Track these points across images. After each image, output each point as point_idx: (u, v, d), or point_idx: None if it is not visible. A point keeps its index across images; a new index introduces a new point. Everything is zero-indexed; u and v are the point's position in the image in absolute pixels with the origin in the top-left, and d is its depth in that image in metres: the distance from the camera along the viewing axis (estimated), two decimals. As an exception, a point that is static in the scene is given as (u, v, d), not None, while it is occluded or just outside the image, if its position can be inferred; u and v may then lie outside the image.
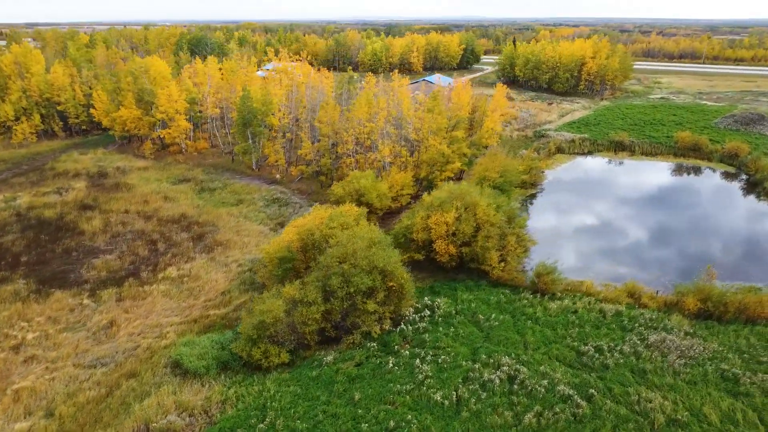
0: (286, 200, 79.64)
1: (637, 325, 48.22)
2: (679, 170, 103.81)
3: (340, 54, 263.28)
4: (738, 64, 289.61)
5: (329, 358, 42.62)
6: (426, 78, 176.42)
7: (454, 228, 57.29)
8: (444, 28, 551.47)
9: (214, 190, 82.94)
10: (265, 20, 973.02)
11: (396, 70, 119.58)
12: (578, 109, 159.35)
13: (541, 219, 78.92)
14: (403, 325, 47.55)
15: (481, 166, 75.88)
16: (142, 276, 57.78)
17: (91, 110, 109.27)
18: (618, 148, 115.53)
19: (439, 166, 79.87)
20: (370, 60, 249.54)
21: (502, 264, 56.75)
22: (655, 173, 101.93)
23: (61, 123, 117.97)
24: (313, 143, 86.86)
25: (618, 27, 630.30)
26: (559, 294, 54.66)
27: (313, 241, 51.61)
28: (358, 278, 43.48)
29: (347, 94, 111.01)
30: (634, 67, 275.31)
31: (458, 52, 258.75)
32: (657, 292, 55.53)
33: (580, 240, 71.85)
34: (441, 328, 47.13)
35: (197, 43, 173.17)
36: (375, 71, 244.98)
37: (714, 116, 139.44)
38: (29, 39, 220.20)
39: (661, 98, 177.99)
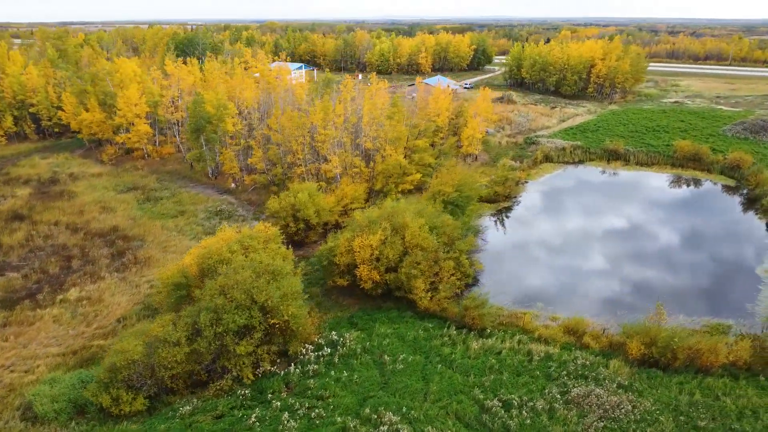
0: (230, 212, 74.64)
1: (564, 372, 41.63)
2: (672, 183, 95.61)
3: (348, 54, 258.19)
4: (767, 66, 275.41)
5: (187, 408, 37.11)
6: (425, 81, 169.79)
7: (378, 252, 51.34)
8: (466, 27, 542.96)
9: (159, 200, 78.40)
10: (292, 19, 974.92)
11: (374, 72, 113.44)
12: (583, 113, 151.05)
13: (502, 238, 72.32)
14: (293, 367, 41.90)
15: (436, 180, 69.56)
16: (39, 298, 53.24)
17: (59, 113, 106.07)
18: (612, 157, 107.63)
19: (395, 178, 73.85)
20: (377, 61, 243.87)
21: (430, 293, 50.55)
22: (644, 187, 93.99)
23: (33, 125, 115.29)
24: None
25: (651, 27, 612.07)
26: (490, 330, 48.28)
27: (209, 267, 46.27)
28: (230, 316, 37.96)
29: (321, 98, 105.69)
30: (654, 69, 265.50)
31: (468, 52, 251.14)
32: (604, 331, 48.70)
33: (541, 263, 65.02)
34: (335, 372, 41.27)
35: (188, 44, 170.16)
36: (382, 72, 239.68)
37: (726, 123, 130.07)
38: (16, 38, 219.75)
39: (675, 102, 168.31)
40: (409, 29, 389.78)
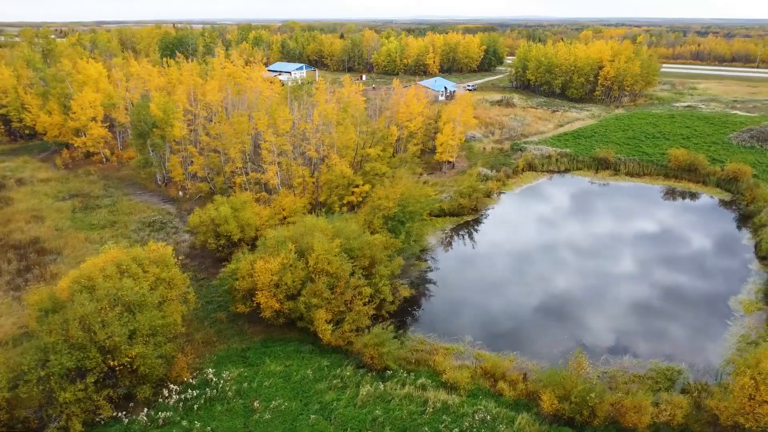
0: (164, 224, 69.93)
1: (457, 430, 35.49)
2: (660, 196, 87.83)
3: (355, 55, 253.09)
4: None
5: (-3, 465, 32.24)
6: (421, 82, 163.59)
7: (277, 278, 45.81)
8: (490, 27, 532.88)
9: (96, 209, 74.17)
10: (321, 19, 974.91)
11: (362, 73, 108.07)
12: (585, 118, 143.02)
13: (453, 258, 66.11)
14: (148, 412, 36.64)
15: (375, 193, 63.59)
16: None
17: (23, 114, 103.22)
18: (601, 166, 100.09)
19: (340, 189, 68.19)
20: (384, 61, 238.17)
21: (331, 326, 44.79)
22: (628, 200, 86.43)
23: (3, 127, 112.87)
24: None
25: (685, 27, 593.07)
26: (393, 371, 42.32)
27: (72, 294, 41.28)
28: (57, 357, 32.93)
29: (292, 101, 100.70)
30: (672, 71, 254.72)
31: (478, 53, 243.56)
32: (525, 376, 42.29)
33: (488, 288, 58.72)
34: (189, 420, 35.88)
35: (177, 43, 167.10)
36: (389, 73, 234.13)
37: (736, 129, 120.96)
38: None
39: (687, 106, 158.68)
40: (430, 29, 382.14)
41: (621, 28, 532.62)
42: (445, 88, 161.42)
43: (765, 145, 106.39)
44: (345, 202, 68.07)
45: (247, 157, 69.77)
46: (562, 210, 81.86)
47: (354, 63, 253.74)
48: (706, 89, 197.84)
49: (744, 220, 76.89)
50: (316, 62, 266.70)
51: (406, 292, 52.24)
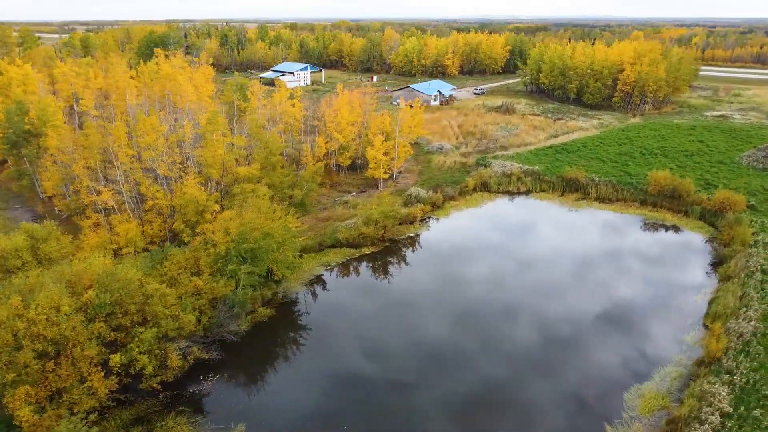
0: None
1: None
2: (622, 231, 72.22)
3: (374, 54, 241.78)
4: None
5: None
6: (413, 86, 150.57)
7: (-18, 340, 35.48)
8: (541, 27, 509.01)
9: (-50, 225, 66.47)
10: (384, 18, 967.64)
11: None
12: (590, 128, 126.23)
13: (311, 309, 54.01)
14: None
15: (209, 226, 52.26)
16: None
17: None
18: (569, 188, 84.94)
19: (191, 216, 57.36)
20: (401, 62, 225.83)
21: (31, 408, 34.08)
22: (583, 236, 71.32)
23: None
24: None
25: (750, 28, 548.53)
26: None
27: None
28: None
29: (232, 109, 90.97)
30: (720, 75, 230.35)
31: (503, 54, 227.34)
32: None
33: (329, 358, 46.51)
34: None
35: (159, 41, 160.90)
36: (406, 74, 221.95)
37: (758, 144, 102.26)
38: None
39: (719, 116, 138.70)
40: (479, 27, 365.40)
41: (682, 28, 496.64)
42: (439, 92, 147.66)
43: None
44: (198, 231, 57.09)
45: (99, 173, 60.00)
46: (486, 248, 67.50)
47: (372, 63, 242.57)
48: (753, 96, 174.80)
49: (714, 267, 60.92)
50: (336, 62, 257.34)
51: (176, 361, 40.65)
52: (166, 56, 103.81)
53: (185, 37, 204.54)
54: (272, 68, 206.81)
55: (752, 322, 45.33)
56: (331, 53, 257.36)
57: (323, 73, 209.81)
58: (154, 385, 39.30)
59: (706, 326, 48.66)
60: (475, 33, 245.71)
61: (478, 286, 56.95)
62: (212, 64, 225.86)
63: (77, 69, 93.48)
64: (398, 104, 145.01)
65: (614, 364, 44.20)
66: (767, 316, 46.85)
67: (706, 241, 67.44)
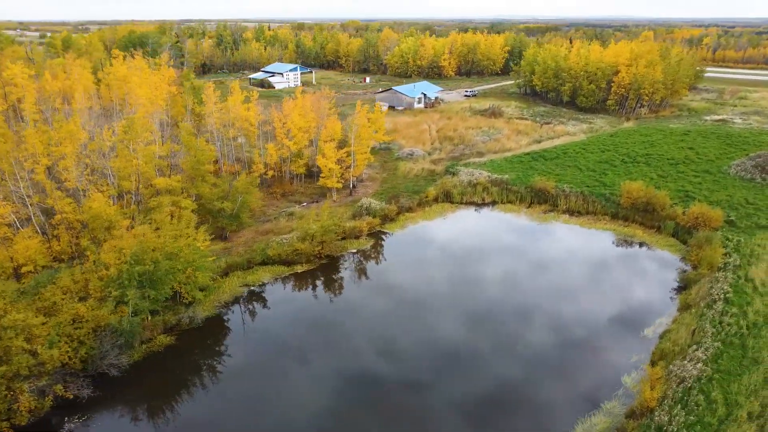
0: None
1: None
2: (585, 248, 66.35)
3: (371, 55, 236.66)
4: None
5: None
6: (396, 88, 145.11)
7: None
8: (552, 27, 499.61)
9: None
10: (402, 18, 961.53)
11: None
12: (578, 132, 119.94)
13: (224, 336, 49.00)
14: None
15: (121, 242, 47.48)
16: None
17: None
18: (537, 198, 79.16)
19: (97, 232, 52.69)
20: (397, 63, 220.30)
21: None
22: (539, 255, 65.47)
23: None
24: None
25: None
26: None
27: None
28: None
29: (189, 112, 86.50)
30: (729, 77, 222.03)
31: (501, 55, 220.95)
32: None
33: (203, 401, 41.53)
34: None
35: (137, 42, 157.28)
36: (402, 75, 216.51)
37: (752, 152, 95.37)
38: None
39: (718, 120, 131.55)
40: (489, 27, 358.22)
41: (700, 28, 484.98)
42: (424, 94, 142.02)
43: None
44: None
45: (9, 184, 55.54)
46: (429, 267, 61.86)
47: (369, 64, 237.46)
48: (759, 99, 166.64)
49: (680, 291, 54.92)
50: (333, 63, 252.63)
51: (28, 403, 35.86)
52: (124, 57, 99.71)
53: (176, 36, 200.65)
54: (262, 69, 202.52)
55: (698, 365, 39.39)
56: (328, 53, 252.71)
57: (314, 75, 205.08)
58: (4, 429, 34.66)
59: (654, 363, 42.83)
60: (474, 33, 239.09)
61: (410, 312, 51.56)
62: (203, 65, 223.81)
63: (28, 71, 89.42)
64: (382, 108, 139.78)
65: (535, 408, 38.57)
66: (718, 356, 40.91)
67: (680, 260, 61.35)
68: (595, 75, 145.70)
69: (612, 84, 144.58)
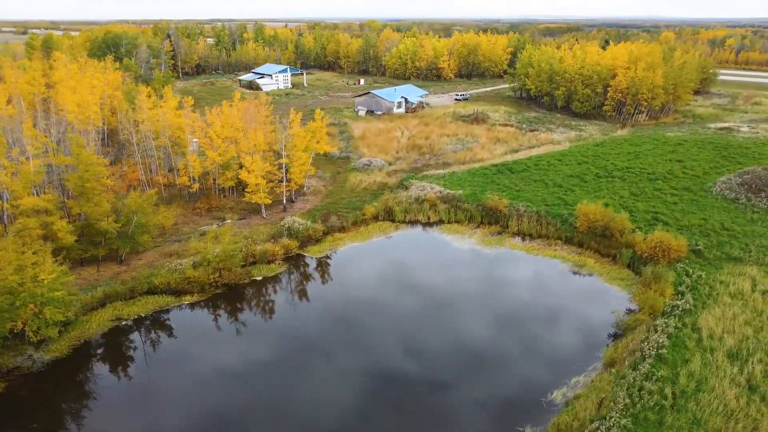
0: None
1: None
2: (523, 281, 58.11)
3: (370, 56, 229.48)
4: None
5: None
6: (374, 92, 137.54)
7: None
8: (574, 27, 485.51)
9: None
10: (430, 18, 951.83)
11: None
12: (563, 141, 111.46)
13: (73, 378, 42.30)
14: None
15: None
16: None
17: None
18: (489, 218, 71.01)
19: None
20: (395, 64, 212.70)
21: None
22: (465, 287, 57.43)
23: None
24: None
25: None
26: None
27: None
28: None
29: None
30: (747, 81, 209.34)
31: (504, 56, 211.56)
32: None
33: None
34: None
35: (111, 43, 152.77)
36: (400, 77, 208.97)
37: (746, 167, 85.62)
38: None
39: (722, 128, 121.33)
40: (510, 28, 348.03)
41: (730, 29, 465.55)
42: (404, 99, 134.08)
43: (756, 199, 71.60)
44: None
45: None
46: (342, 302, 54.55)
47: (369, 65, 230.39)
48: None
49: (618, 338, 46.48)
50: (333, 64, 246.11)
51: None
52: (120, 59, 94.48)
53: (168, 37, 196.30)
54: (253, 70, 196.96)
55: (590, 454, 31.22)
56: (328, 54, 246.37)
57: (305, 76, 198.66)
58: None
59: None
60: (476, 33, 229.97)
61: (307, 357, 44.25)
62: (198, 65, 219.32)
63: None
64: (359, 112, 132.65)
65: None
66: (623, 439, 32.66)
67: (629, 299, 52.79)
68: (591, 78, 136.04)
69: (609, 88, 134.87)
